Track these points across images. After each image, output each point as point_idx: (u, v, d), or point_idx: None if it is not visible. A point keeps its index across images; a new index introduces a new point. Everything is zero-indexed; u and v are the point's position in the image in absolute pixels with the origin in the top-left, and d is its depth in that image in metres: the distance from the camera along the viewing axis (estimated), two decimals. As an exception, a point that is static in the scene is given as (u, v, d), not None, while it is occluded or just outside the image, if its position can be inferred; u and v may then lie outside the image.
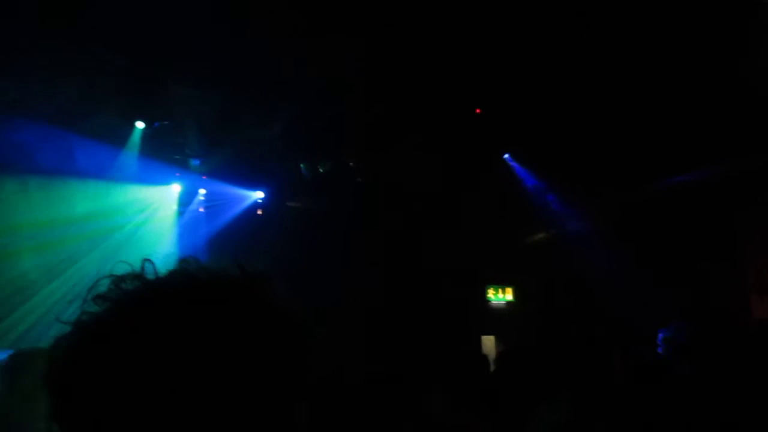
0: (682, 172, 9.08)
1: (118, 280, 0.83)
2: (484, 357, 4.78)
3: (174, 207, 10.37)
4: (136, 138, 8.51)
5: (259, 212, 10.86)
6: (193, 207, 10.62)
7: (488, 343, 11.30)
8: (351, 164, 9.83)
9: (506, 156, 10.73)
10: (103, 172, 8.69)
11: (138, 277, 0.84)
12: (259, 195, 10.82)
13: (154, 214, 10.06)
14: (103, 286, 0.83)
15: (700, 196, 8.71)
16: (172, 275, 0.86)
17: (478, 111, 9.22)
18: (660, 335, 4.08)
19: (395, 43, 7.06)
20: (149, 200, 9.95)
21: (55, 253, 8.67)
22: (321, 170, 9.73)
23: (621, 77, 7.55)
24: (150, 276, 0.85)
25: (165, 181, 10.03)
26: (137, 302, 0.81)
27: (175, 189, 10.23)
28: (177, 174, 10.01)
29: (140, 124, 8.33)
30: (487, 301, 12.05)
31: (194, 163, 9.85)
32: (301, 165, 9.74)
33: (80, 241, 8.95)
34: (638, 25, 6.67)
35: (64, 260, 8.81)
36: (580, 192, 10.34)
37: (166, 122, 8.25)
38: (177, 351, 0.76)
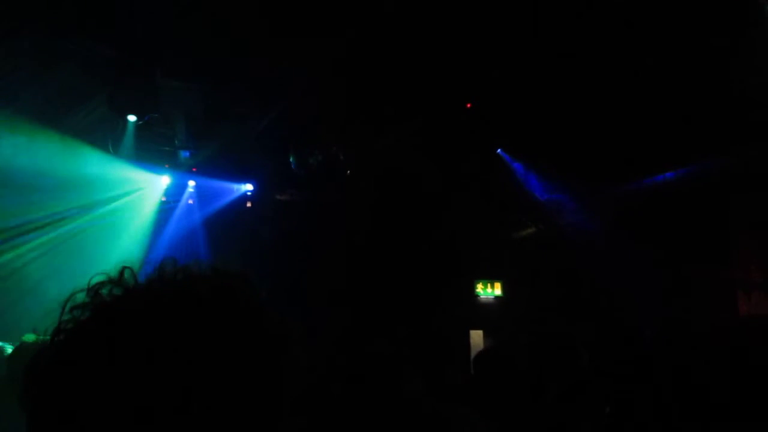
0: (673, 168, 9.12)
1: (96, 288, 0.83)
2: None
3: (161, 198, 10.38)
4: (128, 130, 8.49)
5: (249, 205, 10.86)
6: (183, 200, 10.63)
7: (476, 337, 11.33)
8: (341, 157, 9.81)
9: (498, 150, 10.74)
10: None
11: (117, 283, 0.84)
12: (248, 187, 10.82)
13: (140, 200, 10.04)
14: (80, 298, 0.82)
15: (691, 193, 8.74)
16: (151, 281, 0.85)
17: (468, 105, 9.23)
18: (646, 332, 4.11)
19: (386, 37, 7.05)
20: (138, 184, 9.93)
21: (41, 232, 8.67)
22: (310, 162, 9.71)
23: (616, 72, 7.57)
24: (129, 282, 0.84)
25: (155, 171, 10.01)
26: (116, 311, 0.81)
27: (165, 181, 10.21)
28: (166, 165, 9.99)
29: (132, 118, 8.29)
30: (475, 295, 12.08)
31: (184, 155, 9.82)
32: (291, 158, 9.72)
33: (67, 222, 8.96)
34: (632, 20, 6.68)
35: (51, 243, 8.81)
36: (572, 187, 10.38)
37: (155, 114, 8.21)
38: (158, 359, 0.75)
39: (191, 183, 10.51)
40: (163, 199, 10.50)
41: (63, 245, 9.01)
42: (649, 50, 7.02)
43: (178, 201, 10.64)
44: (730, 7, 6.29)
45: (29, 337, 3.23)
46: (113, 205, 9.68)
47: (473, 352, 9.39)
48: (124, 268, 0.85)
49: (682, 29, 6.54)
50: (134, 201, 10.02)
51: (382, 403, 3.07)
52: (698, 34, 6.56)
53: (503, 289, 12.18)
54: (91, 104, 7.84)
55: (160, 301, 0.82)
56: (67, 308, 0.81)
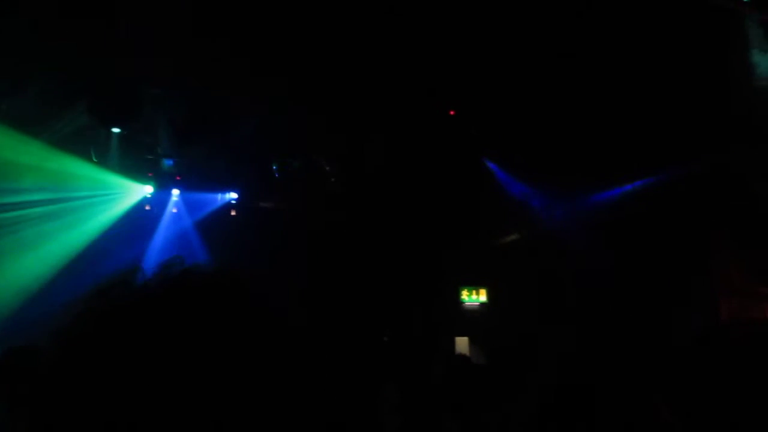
0: (652, 174, 9.17)
1: (103, 289, 0.82)
2: (466, 358, 4.80)
3: (145, 206, 10.35)
4: (112, 139, 8.47)
5: (233, 213, 10.83)
6: (167, 208, 10.63)
7: (462, 344, 11.32)
8: (324, 164, 9.81)
9: (483, 157, 10.76)
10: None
11: (124, 284, 0.82)
12: (232, 196, 10.82)
13: (116, 201, 10.00)
14: (89, 297, 0.81)
15: (671, 200, 8.80)
16: (160, 279, 0.84)
17: (452, 113, 9.25)
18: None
19: (366, 42, 7.06)
20: (120, 189, 9.90)
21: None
22: (293, 171, 9.70)
23: (594, 81, 7.61)
24: (137, 284, 0.83)
25: (139, 180, 9.97)
26: (126, 314, 0.79)
27: (148, 189, 10.16)
28: (150, 174, 9.96)
29: (115, 129, 8.27)
30: (460, 302, 12.06)
31: (167, 163, 9.79)
32: (274, 166, 9.70)
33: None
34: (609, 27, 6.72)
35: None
36: (555, 194, 10.42)
37: (137, 124, 8.20)
38: (170, 355, 0.74)
39: (175, 192, 10.49)
40: (147, 207, 10.48)
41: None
42: (626, 59, 7.06)
43: (162, 210, 10.62)
44: (706, 17, 6.34)
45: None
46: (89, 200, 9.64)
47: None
48: (135, 268, 0.84)
49: (658, 35, 6.60)
50: (110, 201, 9.98)
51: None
52: (674, 40, 6.62)
53: (488, 295, 12.16)
54: (73, 113, 7.82)
55: (170, 303, 0.81)
56: (71, 311, 0.80)
